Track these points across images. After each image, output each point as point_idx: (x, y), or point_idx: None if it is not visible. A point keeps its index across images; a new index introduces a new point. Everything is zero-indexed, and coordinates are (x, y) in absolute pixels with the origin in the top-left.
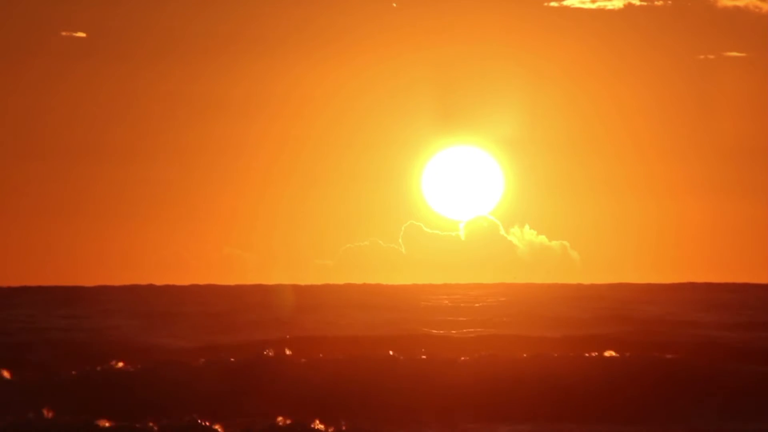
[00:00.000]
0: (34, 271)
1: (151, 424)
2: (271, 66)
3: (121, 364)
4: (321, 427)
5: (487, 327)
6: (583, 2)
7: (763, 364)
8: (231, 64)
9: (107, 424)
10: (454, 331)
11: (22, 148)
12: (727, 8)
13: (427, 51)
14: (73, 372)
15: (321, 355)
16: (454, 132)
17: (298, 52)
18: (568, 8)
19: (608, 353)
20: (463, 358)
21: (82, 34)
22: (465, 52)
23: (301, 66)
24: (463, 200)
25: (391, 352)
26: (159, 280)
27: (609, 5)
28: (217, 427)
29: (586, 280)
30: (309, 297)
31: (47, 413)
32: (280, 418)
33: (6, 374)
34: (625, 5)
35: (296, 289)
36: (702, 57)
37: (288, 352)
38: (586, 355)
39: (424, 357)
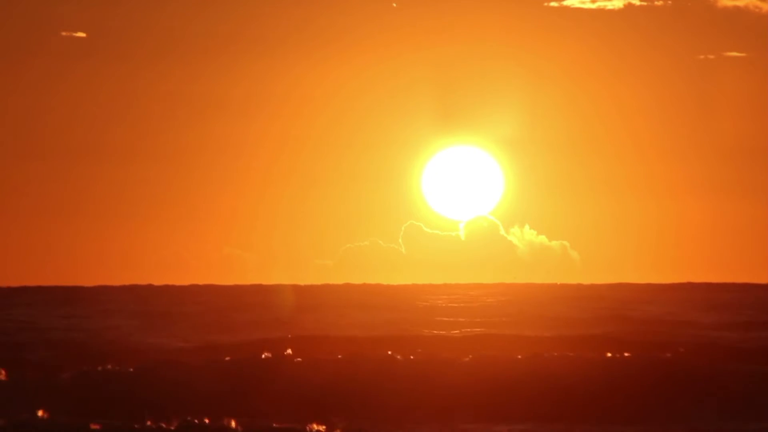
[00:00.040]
0: (34, 271)
1: (150, 423)
2: (271, 66)
3: (120, 364)
4: (321, 427)
5: (487, 327)
6: (583, 2)
7: (763, 364)
8: (231, 64)
9: (107, 425)
10: (453, 332)
11: (22, 148)
12: (727, 8)
13: (427, 51)
14: (73, 371)
15: (320, 355)
16: (454, 132)
17: (298, 52)
18: (568, 8)
19: (608, 353)
20: (462, 359)
21: (82, 34)
22: (465, 52)
23: (301, 66)
24: (463, 200)
25: (390, 352)
26: (158, 280)
27: (609, 5)
28: (216, 427)
29: (586, 280)
30: (309, 297)
31: (44, 414)
32: (278, 419)
33: (6, 374)
34: (625, 5)
35: (296, 289)
36: (702, 57)
37: (288, 351)
38: (586, 355)
39: (423, 357)
